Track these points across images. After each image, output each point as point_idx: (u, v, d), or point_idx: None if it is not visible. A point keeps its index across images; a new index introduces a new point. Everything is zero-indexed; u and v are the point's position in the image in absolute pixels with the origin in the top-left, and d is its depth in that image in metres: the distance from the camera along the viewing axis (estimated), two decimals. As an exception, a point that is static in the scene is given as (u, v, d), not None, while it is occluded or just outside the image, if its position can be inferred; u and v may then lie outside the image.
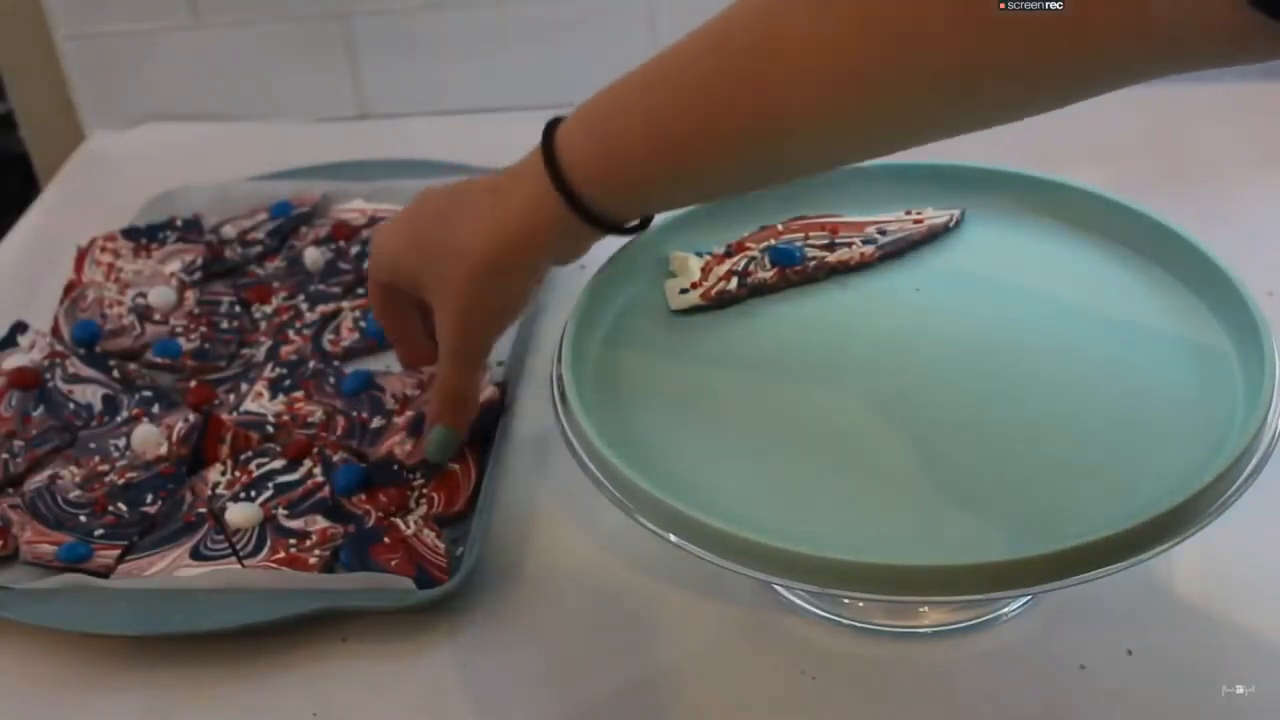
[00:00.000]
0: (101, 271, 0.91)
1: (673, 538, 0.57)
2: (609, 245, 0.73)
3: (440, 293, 0.66)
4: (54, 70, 1.15)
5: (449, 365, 0.68)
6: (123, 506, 0.72)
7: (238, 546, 0.69)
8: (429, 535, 0.69)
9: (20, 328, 0.86)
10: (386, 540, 0.68)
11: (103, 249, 0.93)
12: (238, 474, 0.74)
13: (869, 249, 0.72)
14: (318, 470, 0.73)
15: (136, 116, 1.16)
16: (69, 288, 0.90)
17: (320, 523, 0.70)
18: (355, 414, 0.78)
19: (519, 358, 0.82)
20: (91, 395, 0.81)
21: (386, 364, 0.84)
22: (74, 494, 0.73)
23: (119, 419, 0.79)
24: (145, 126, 1.16)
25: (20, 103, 1.19)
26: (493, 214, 0.64)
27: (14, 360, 0.83)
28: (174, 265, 0.91)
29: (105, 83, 1.15)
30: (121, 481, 0.74)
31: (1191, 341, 0.64)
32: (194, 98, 1.16)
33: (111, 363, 0.83)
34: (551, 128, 0.63)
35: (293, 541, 0.69)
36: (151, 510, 0.72)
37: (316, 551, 0.68)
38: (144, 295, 0.89)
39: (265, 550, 0.69)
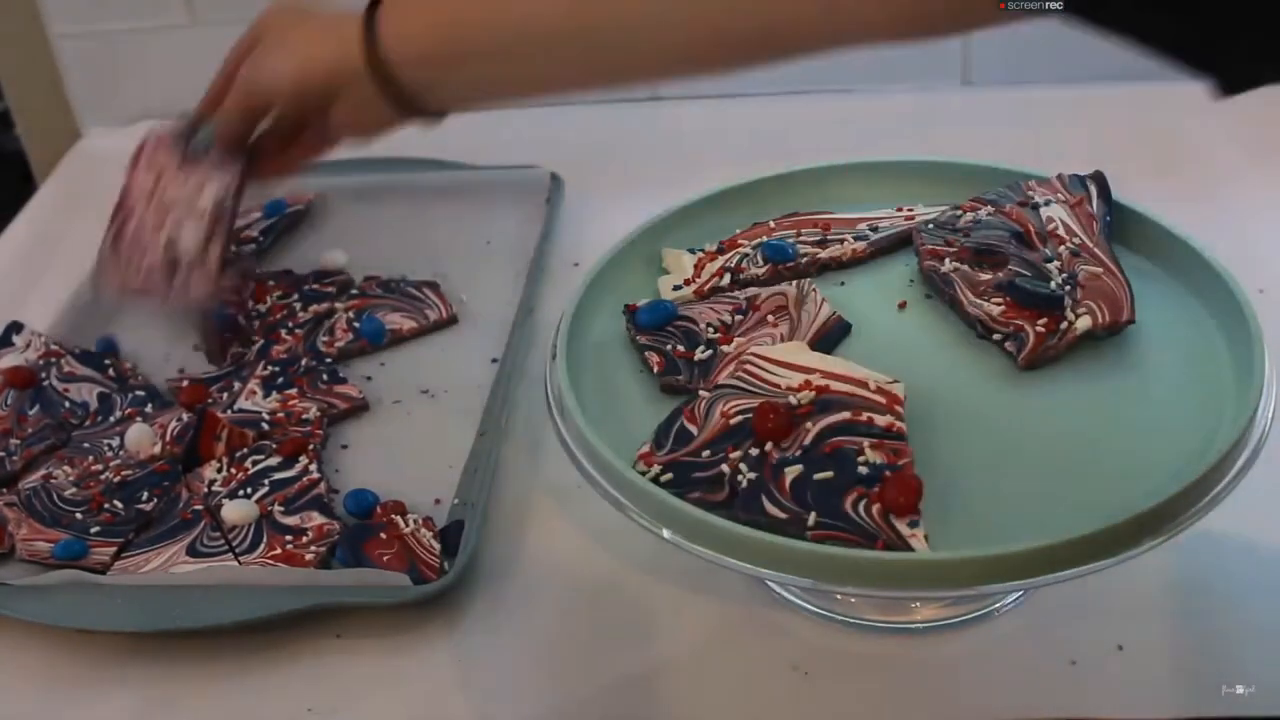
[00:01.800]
0: (151, 179, 0.86)
1: (666, 533, 0.57)
2: (603, 243, 0.74)
3: (263, 46, 0.76)
4: (50, 68, 1.15)
5: (234, 90, 0.77)
6: (118, 504, 0.72)
7: (234, 543, 0.69)
8: (425, 535, 0.69)
9: (15, 328, 0.86)
10: (383, 536, 0.68)
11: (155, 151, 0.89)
12: (233, 471, 0.74)
13: (860, 245, 0.72)
14: (313, 467, 0.74)
15: (132, 114, 1.16)
16: (120, 204, 0.87)
17: (316, 519, 0.70)
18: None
19: (514, 355, 0.82)
20: (87, 394, 0.81)
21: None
22: (70, 492, 0.74)
23: (112, 419, 0.79)
24: (141, 124, 1.15)
25: (16, 101, 1.19)
26: (324, 33, 0.71)
27: (10, 360, 0.83)
28: (209, 196, 0.90)
29: (101, 81, 1.15)
30: (117, 479, 0.74)
31: (1183, 337, 0.65)
32: (190, 96, 1.15)
33: (107, 361, 0.84)
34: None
35: (289, 538, 0.69)
36: (147, 508, 0.72)
37: (313, 548, 0.69)
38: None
39: (262, 547, 0.69)
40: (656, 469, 0.59)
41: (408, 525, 0.69)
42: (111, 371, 0.83)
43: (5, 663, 0.67)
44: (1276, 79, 0.47)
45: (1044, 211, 0.70)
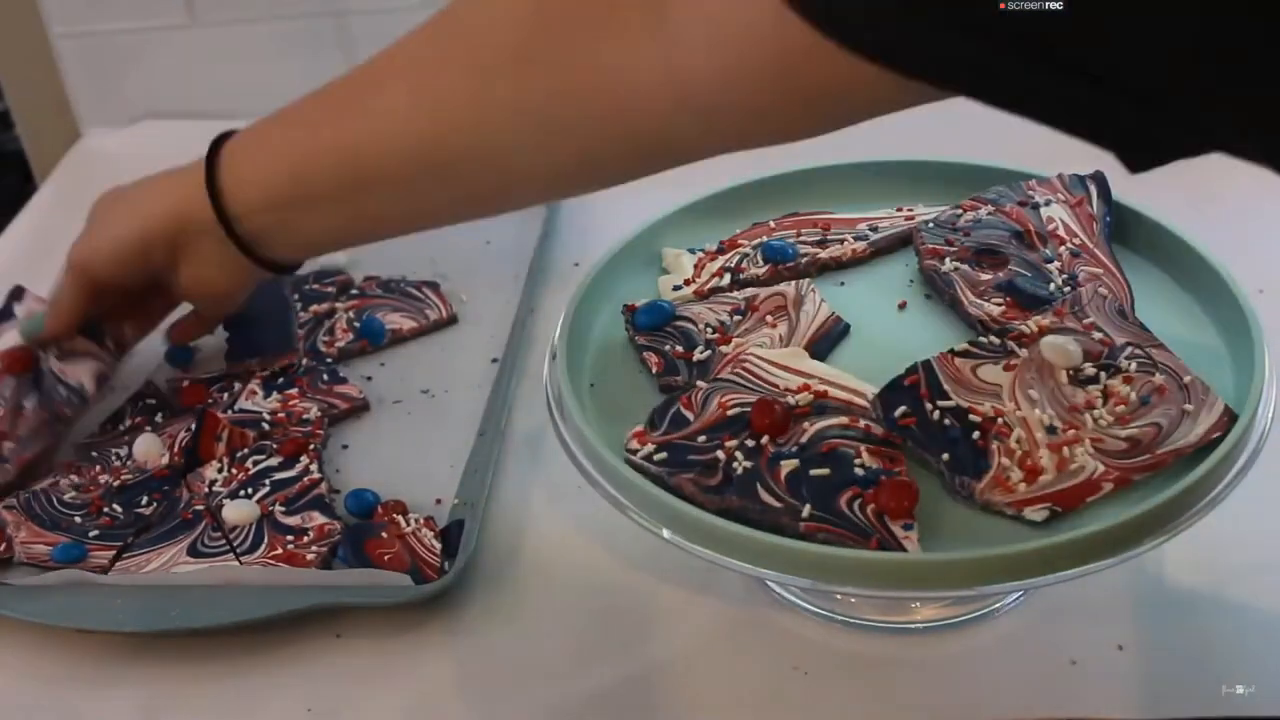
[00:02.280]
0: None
1: (666, 533, 0.57)
2: (603, 244, 0.74)
3: (88, 224, 0.74)
4: (50, 68, 1.15)
5: (63, 275, 0.75)
6: (118, 508, 0.72)
7: (235, 543, 0.69)
8: (427, 535, 0.69)
9: (17, 294, 0.85)
10: (384, 535, 0.68)
11: None
12: (234, 471, 0.74)
13: (860, 245, 0.72)
14: (314, 467, 0.74)
15: (132, 114, 1.16)
16: None
17: (318, 519, 0.70)
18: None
19: (514, 354, 0.82)
20: (84, 374, 0.79)
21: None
22: (69, 495, 0.73)
23: (121, 428, 0.79)
24: (141, 124, 1.16)
25: (16, 100, 1.19)
26: (159, 194, 0.72)
27: (8, 339, 0.81)
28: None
29: (101, 80, 1.15)
30: (117, 483, 0.74)
31: (1183, 338, 0.65)
32: (190, 95, 1.16)
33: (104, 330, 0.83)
34: (219, 143, 0.70)
35: (290, 538, 0.69)
36: (146, 511, 0.72)
37: (314, 548, 0.68)
38: None
39: (263, 547, 0.69)
40: (650, 447, 0.59)
41: (409, 525, 0.69)
42: (109, 343, 0.81)
43: (5, 663, 0.67)
44: (1183, 155, 0.44)
45: (1044, 211, 0.70)
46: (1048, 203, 0.71)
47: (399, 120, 0.62)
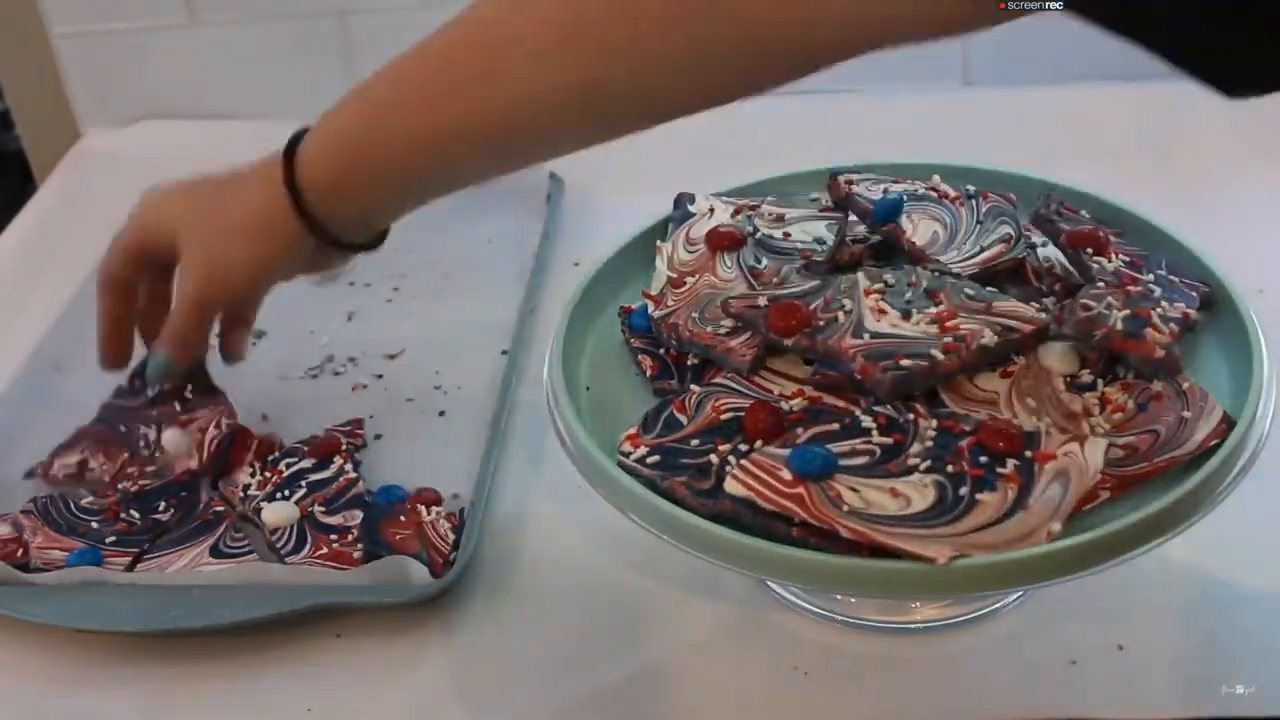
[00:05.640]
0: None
1: (666, 536, 0.57)
2: (603, 244, 0.74)
3: (195, 247, 0.69)
4: (50, 68, 1.15)
5: (184, 310, 0.70)
6: (135, 514, 0.72)
7: (278, 545, 0.69)
8: (444, 527, 0.69)
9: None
10: (402, 519, 0.69)
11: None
12: (268, 474, 0.74)
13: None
14: (349, 467, 0.74)
15: (132, 114, 1.16)
16: None
17: (359, 517, 0.70)
18: None
19: (514, 355, 0.82)
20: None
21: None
22: (86, 500, 0.73)
23: (151, 393, 0.78)
24: (141, 124, 1.16)
25: (16, 101, 1.19)
26: (249, 204, 0.67)
27: None
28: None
29: (101, 80, 1.15)
30: (134, 489, 0.74)
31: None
32: (190, 96, 1.16)
33: None
34: (295, 141, 0.66)
35: (334, 537, 0.69)
36: (164, 517, 0.72)
37: (359, 545, 0.69)
38: None
39: (308, 547, 0.69)
40: (643, 450, 0.59)
41: (429, 514, 0.69)
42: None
43: (5, 663, 0.67)
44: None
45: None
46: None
47: (547, 81, 0.59)
